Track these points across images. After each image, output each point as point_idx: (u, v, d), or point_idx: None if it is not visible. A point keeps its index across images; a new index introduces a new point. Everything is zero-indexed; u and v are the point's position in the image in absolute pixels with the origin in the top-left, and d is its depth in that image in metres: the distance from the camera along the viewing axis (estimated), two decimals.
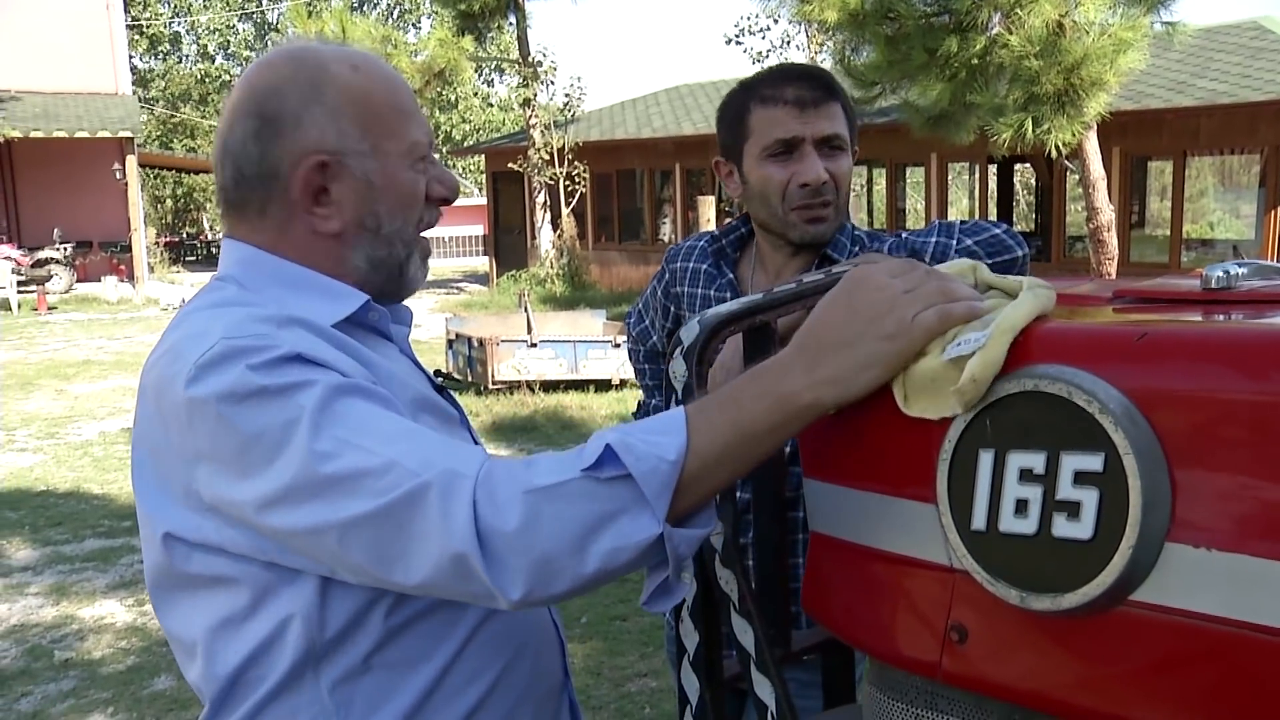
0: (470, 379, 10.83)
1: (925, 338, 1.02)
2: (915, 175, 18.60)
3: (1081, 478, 0.93)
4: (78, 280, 22.06)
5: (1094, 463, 0.92)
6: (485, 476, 1.03)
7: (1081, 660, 0.96)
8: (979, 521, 0.99)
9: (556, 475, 1.03)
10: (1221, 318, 1.05)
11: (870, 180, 20.55)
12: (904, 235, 1.88)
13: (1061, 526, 0.94)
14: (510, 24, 22.08)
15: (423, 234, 1.35)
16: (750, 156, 1.90)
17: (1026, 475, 0.96)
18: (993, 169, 17.96)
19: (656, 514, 1.01)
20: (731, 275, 2.01)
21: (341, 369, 1.15)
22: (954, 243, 1.81)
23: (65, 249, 21.89)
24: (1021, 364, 0.98)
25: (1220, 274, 1.08)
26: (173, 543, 1.19)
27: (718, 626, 1.26)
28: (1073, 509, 0.94)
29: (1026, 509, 0.96)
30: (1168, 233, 14.63)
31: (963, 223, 1.88)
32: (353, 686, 1.22)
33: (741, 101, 1.92)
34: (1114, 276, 10.05)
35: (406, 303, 1.44)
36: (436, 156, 1.35)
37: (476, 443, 1.39)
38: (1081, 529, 0.93)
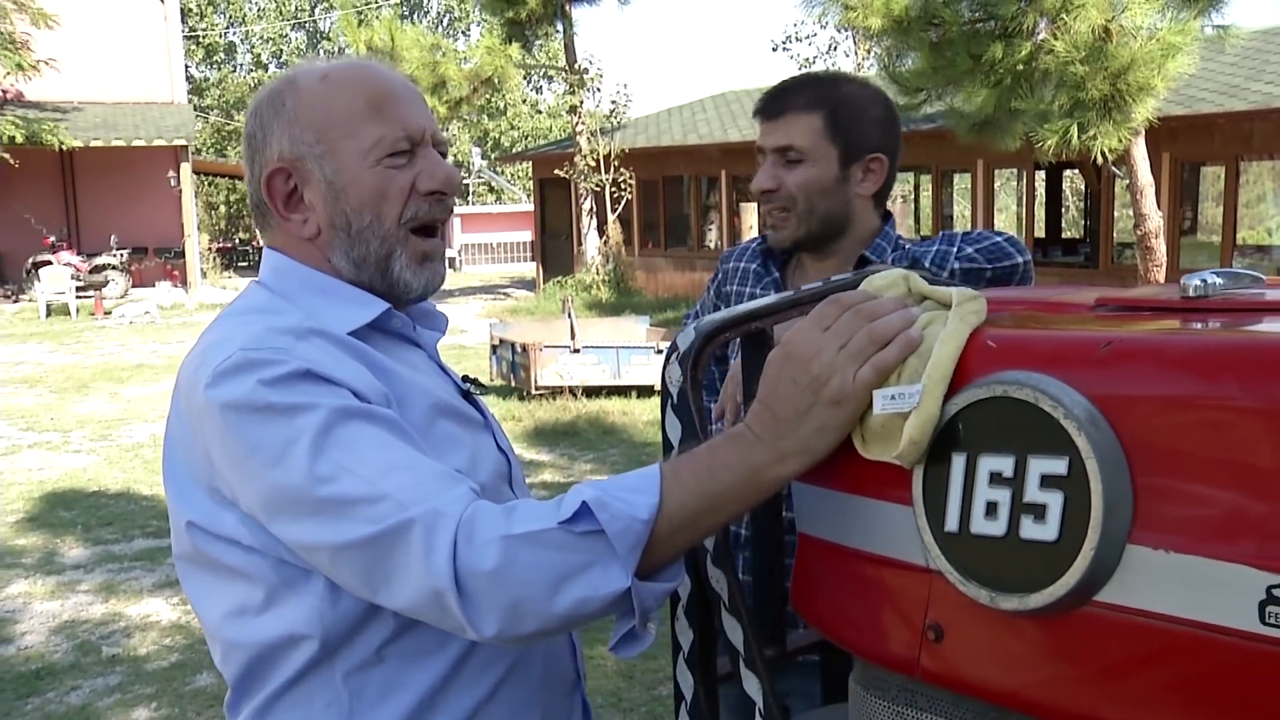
0: (513, 384, 10.93)
1: (868, 393, 1.06)
2: (962, 181, 18.46)
3: (1047, 481, 0.96)
4: (133, 285, 22.51)
5: (1059, 466, 0.95)
6: (468, 518, 1.09)
7: (1049, 659, 0.98)
8: (952, 523, 1.02)
9: (534, 524, 1.08)
10: (1196, 325, 1.07)
11: (917, 186, 20.43)
12: (906, 246, 1.91)
13: (1028, 528, 0.97)
14: (557, 31, 22.20)
15: (418, 232, 1.36)
16: None
17: (996, 478, 0.99)
18: (1041, 175, 17.78)
19: (626, 569, 1.07)
20: (778, 274, 2.06)
21: (354, 385, 1.20)
22: (954, 250, 1.84)
23: (121, 255, 22.38)
24: (992, 370, 1.01)
25: (1198, 283, 1.10)
26: (194, 530, 1.27)
27: (711, 624, 1.29)
28: (1039, 511, 0.96)
29: (996, 511, 0.99)
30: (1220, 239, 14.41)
31: (966, 233, 1.91)
32: (365, 675, 1.27)
33: None
34: (1162, 283, 9.93)
35: (442, 309, 1.50)
36: (438, 152, 1.38)
37: (501, 447, 1.43)
38: (1047, 531, 0.95)
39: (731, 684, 1.29)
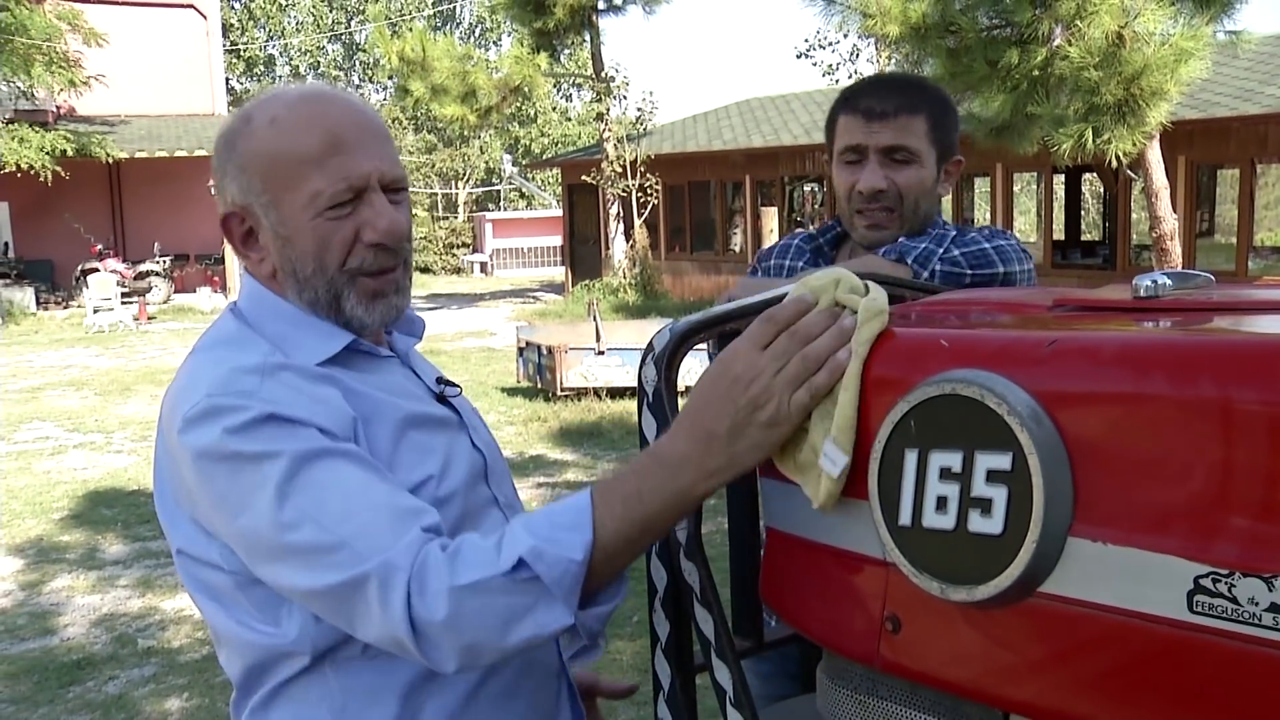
0: (540, 385, 11.02)
1: (802, 415, 1.12)
2: (982, 185, 18.43)
3: (993, 476, 0.99)
4: (175, 291, 23.07)
5: (1003, 461, 0.98)
6: (419, 570, 1.15)
7: (998, 649, 1.02)
8: (905, 517, 1.05)
9: (477, 573, 1.15)
10: (1150, 325, 1.10)
11: None
12: (901, 240, 1.95)
13: (976, 522, 1.00)
14: (584, 40, 22.30)
15: (369, 273, 1.35)
16: (833, 159, 2.01)
17: (946, 473, 1.02)
18: (1060, 178, 17.74)
19: (568, 607, 1.15)
20: None
21: (319, 422, 1.24)
22: (941, 250, 1.87)
23: (164, 262, 22.90)
24: (945, 368, 1.05)
25: (1149, 284, 1.13)
26: (183, 557, 1.34)
27: (686, 616, 1.32)
28: (985, 505, 0.99)
29: (946, 505, 1.02)
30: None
31: (962, 231, 1.94)
32: (356, 671, 1.32)
33: (835, 106, 2.02)
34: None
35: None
36: (392, 192, 1.36)
37: (477, 444, 1.46)
38: (993, 524, 0.98)
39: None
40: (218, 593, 1.32)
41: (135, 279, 21.98)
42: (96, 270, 21.11)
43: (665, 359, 1.29)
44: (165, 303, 22.25)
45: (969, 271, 1.84)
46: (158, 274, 22.55)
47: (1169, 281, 1.13)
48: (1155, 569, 0.89)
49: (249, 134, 1.34)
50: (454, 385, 1.50)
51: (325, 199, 1.31)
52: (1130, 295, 1.14)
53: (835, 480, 1.10)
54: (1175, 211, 10.49)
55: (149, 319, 20.33)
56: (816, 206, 20.92)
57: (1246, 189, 13.90)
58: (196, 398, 1.25)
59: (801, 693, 1.54)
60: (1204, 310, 1.10)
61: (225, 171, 1.36)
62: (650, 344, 1.31)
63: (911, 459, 1.05)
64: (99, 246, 22.27)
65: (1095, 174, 17.94)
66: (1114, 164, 9.54)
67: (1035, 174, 17.49)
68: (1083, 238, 20.13)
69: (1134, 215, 15.73)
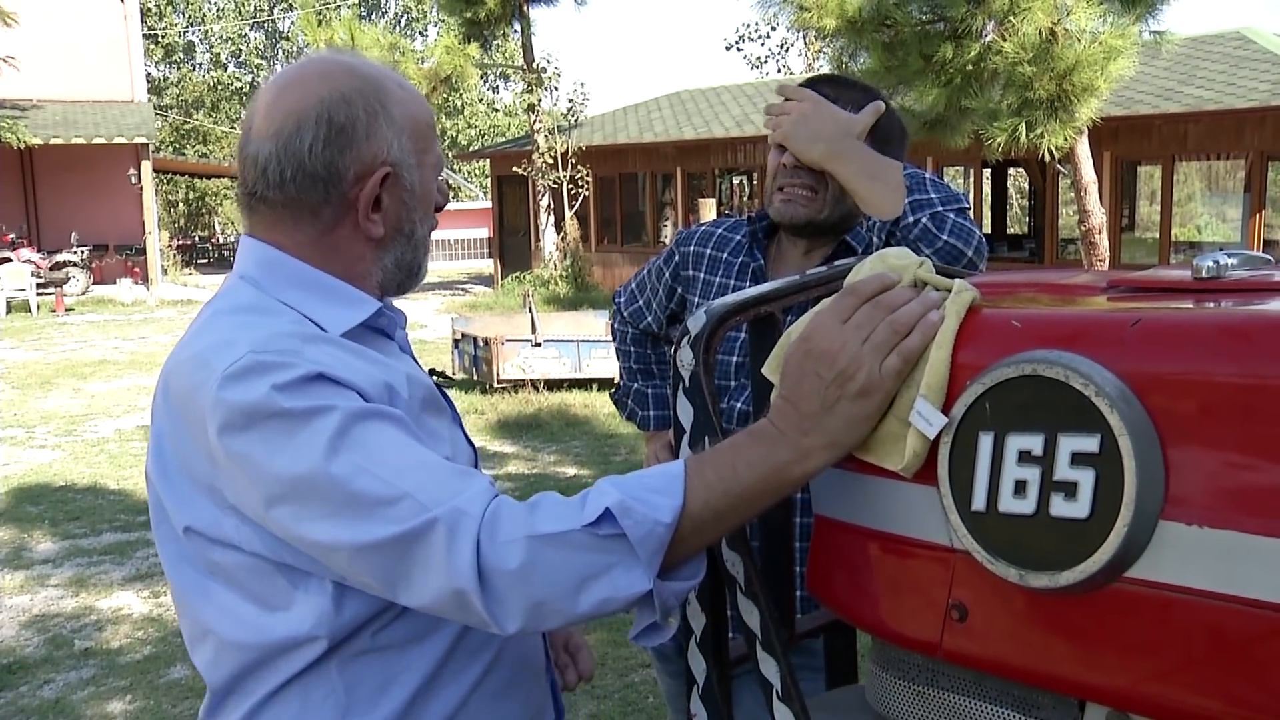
0: (476, 378, 10.85)
1: (896, 382, 1.08)
2: None
3: (1078, 458, 0.96)
4: (94, 282, 22.30)
5: (1090, 444, 0.95)
6: (490, 516, 1.10)
7: (1078, 636, 0.99)
8: (979, 502, 1.03)
9: (558, 524, 1.09)
10: (1212, 305, 1.08)
11: None
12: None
13: (1059, 506, 0.97)
14: (515, 31, 22.13)
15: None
16: (771, 145, 1.99)
17: (1025, 457, 1.00)
18: (987, 173, 18.07)
19: (648, 571, 1.09)
20: (762, 260, 2.06)
21: (361, 386, 1.19)
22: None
23: (82, 252, 22.17)
24: (1018, 349, 1.02)
25: (1210, 264, 1.11)
26: (193, 536, 1.24)
27: (724, 609, 1.28)
28: (1070, 489, 0.97)
29: (1025, 489, 0.99)
30: (1158, 235, 14.74)
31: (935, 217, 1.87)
32: (361, 667, 1.26)
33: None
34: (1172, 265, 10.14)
35: (401, 304, 1.49)
36: None
37: (468, 438, 1.43)
38: (1078, 508, 0.96)
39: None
40: (227, 576, 1.24)
41: (51, 269, 21.32)
42: (9, 260, 20.48)
43: (703, 342, 1.25)
44: (84, 294, 21.62)
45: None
46: (75, 264, 21.85)
47: (1232, 261, 1.11)
48: (1262, 552, 0.87)
49: (392, 94, 1.31)
50: (446, 378, 1.46)
51: (442, 161, 1.38)
52: (1190, 276, 1.12)
53: (927, 441, 1.06)
54: (1102, 206, 10.72)
55: (66, 310, 19.72)
56: (745, 199, 21.01)
57: (1168, 185, 14.28)
58: (238, 354, 1.17)
59: (827, 686, 1.51)
60: (1271, 290, 1.08)
61: (377, 126, 1.29)
62: (686, 326, 1.28)
63: (986, 442, 1.02)
64: (11, 235, 21.59)
65: (1021, 169, 18.26)
66: (1046, 158, 9.72)
67: (963, 168, 17.75)
68: (1008, 231, 20.51)
69: (1059, 209, 16.05)
